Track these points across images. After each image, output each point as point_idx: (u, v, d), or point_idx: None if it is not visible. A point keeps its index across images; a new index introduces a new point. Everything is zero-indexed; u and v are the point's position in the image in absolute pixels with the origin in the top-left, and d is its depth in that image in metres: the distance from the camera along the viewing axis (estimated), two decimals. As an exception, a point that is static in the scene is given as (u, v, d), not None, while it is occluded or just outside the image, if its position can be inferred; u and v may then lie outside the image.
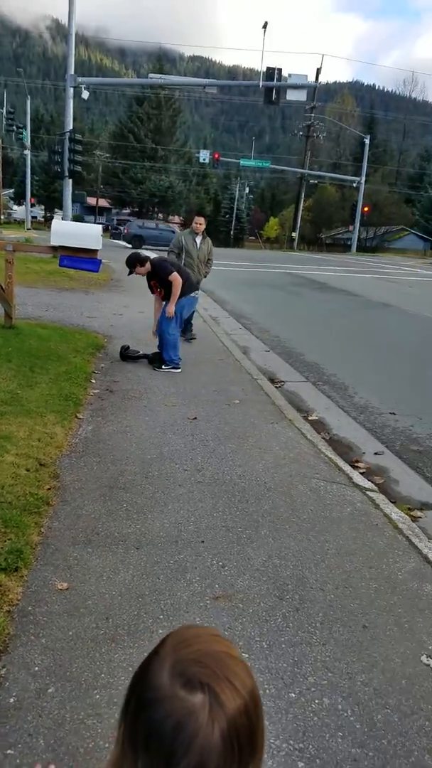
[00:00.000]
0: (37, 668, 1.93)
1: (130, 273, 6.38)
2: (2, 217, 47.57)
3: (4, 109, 37.52)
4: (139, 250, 7.36)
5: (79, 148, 17.35)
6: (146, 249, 24.95)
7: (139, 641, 2.09)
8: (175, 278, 6.16)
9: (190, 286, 6.43)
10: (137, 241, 29.91)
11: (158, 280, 6.35)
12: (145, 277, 6.43)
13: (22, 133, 36.01)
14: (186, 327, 7.38)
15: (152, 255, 6.73)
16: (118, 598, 2.33)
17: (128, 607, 2.27)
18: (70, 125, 17.56)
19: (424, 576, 2.67)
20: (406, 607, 2.43)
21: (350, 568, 2.68)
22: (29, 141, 37.11)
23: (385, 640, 2.22)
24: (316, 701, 1.89)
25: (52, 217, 44.86)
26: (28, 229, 34.62)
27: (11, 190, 60.14)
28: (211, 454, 3.93)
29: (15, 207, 57.33)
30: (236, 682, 0.59)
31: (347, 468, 3.92)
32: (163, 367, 6.20)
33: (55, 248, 7.01)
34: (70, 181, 17.59)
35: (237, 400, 5.27)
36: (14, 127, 36.04)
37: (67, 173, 16.73)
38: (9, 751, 1.63)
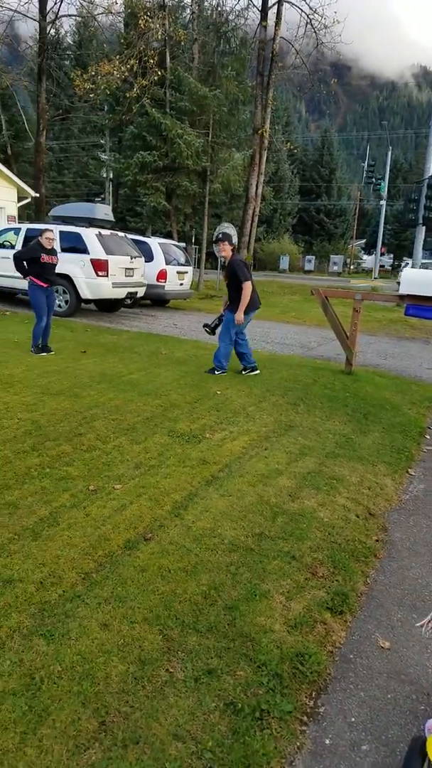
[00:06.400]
0: (353, 719, 1.99)
1: (216, 246, 6.67)
2: (352, 266, 50.79)
3: (366, 163, 40.22)
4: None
5: (435, 194, 17.08)
6: None
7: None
8: (248, 286, 6.35)
9: (253, 303, 6.55)
10: None
11: (230, 276, 6.47)
12: (222, 260, 6.81)
13: (380, 185, 37.62)
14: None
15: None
16: (441, 681, 2.19)
17: (452, 696, 2.10)
18: (429, 171, 17.55)
19: None
20: None
21: None
22: (386, 191, 38.55)
23: None
24: None
25: (399, 266, 45.41)
26: (374, 278, 35.90)
27: (363, 241, 63.59)
28: None
29: (365, 257, 59.87)
30: None
31: None
32: (215, 371, 6.63)
33: (402, 297, 7.02)
34: (423, 228, 17.50)
35: None
36: (373, 179, 38.00)
37: (421, 220, 16.72)
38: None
